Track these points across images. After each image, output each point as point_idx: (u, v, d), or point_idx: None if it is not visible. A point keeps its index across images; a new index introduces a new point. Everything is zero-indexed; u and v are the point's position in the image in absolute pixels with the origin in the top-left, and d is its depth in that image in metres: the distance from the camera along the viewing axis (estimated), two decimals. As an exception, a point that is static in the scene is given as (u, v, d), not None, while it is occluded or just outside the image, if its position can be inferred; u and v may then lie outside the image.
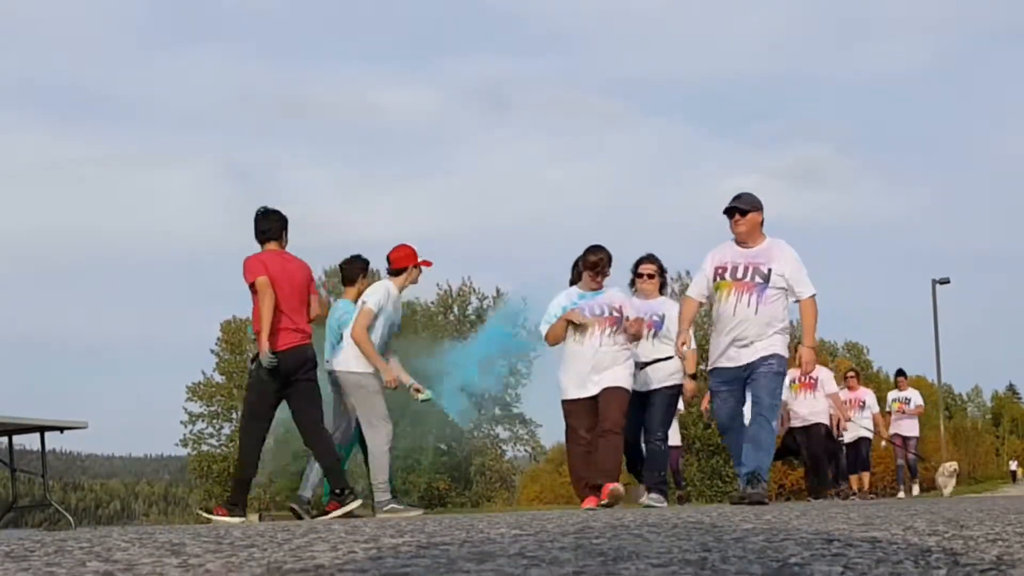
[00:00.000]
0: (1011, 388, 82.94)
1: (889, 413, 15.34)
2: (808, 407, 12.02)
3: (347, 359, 7.44)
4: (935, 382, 44.39)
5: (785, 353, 6.87)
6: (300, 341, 6.84)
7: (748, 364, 6.76)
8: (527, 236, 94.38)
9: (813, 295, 6.88)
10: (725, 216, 6.91)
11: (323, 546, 1.89)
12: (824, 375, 12.18)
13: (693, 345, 8.03)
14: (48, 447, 8.96)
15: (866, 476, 14.30)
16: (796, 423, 11.93)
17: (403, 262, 7.63)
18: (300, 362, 6.83)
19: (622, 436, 7.14)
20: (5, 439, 9.69)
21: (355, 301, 7.70)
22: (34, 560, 1.76)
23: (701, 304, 7.17)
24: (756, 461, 6.61)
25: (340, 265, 8.25)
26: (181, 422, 49.07)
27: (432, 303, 50.38)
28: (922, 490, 17.01)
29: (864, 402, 14.37)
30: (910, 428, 15.24)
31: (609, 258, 7.19)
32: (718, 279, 6.88)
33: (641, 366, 8.69)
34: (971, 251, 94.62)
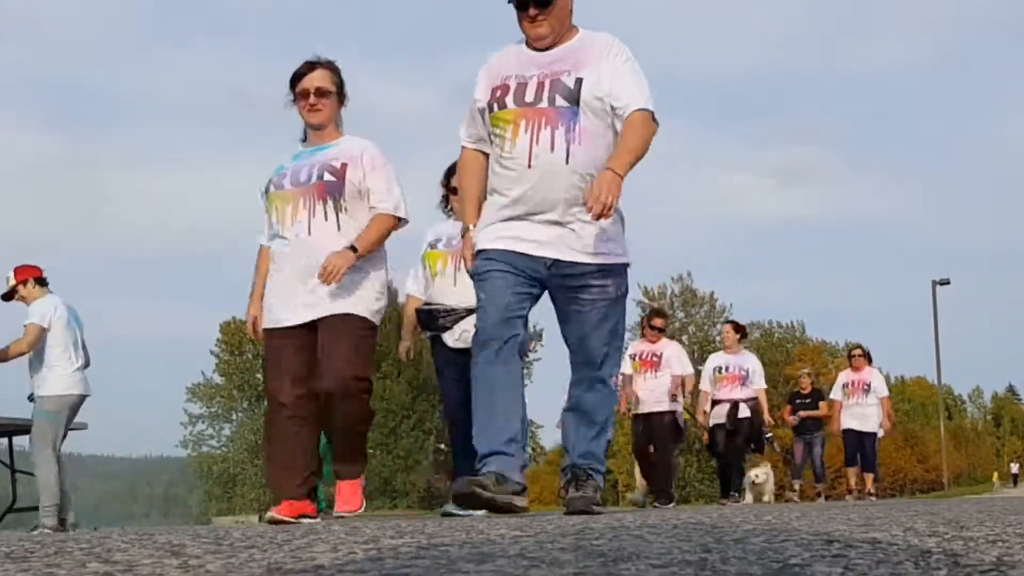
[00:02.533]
0: (1011, 389, 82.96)
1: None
2: (646, 391, 9.92)
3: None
4: (935, 383, 44.45)
5: (626, 254, 4.29)
6: None
7: (555, 262, 4.16)
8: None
9: (648, 111, 4.15)
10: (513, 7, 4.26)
11: (323, 547, 1.89)
12: (672, 351, 10.19)
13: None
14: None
15: (869, 477, 12.77)
16: (639, 408, 9.99)
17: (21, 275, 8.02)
18: None
19: (357, 398, 4.63)
20: (5, 440, 9.71)
21: None
22: (34, 561, 1.76)
23: (487, 156, 4.38)
24: (584, 446, 4.31)
25: None
26: (181, 423, 49.18)
27: (432, 304, 50.33)
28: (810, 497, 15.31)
29: (869, 385, 12.56)
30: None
31: None
32: (495, 107, 4.21)
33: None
34: (971, 252, 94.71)
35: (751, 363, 11.19)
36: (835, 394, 12.97)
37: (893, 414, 13.32)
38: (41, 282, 8.08)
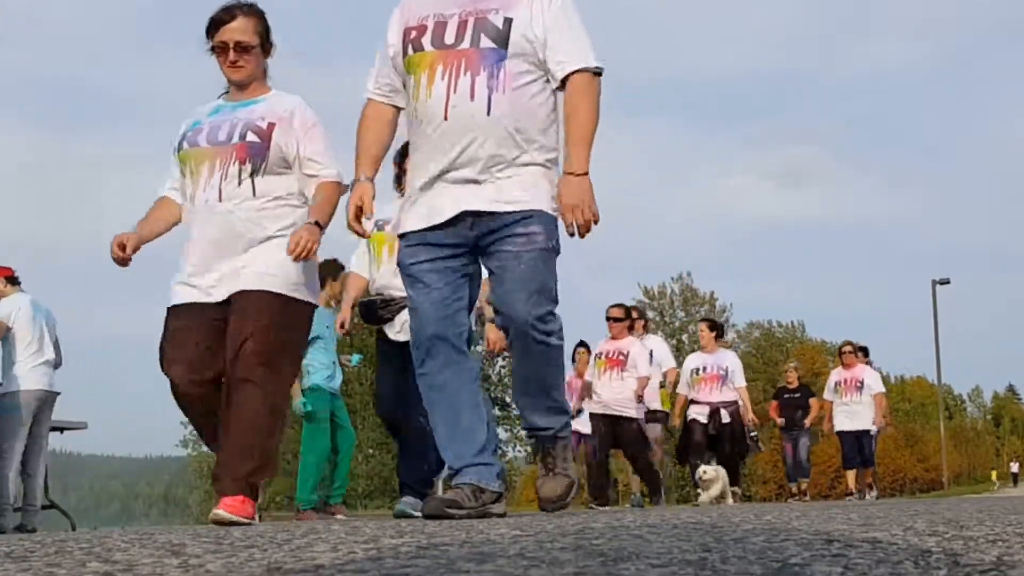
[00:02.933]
0: (1011, 388, 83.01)
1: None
2: (611, 392, 9.31)
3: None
4: (935, 382, 44.46)
5: (553, 210, 3.68)
6: None
7: (475, 219, 3.68)
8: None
9: (595, 69, 3.72)
10: None
11: (323, 547, 1.89)
12: (638, 349, 9.52)
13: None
14: (48, 447, 8.96)
15: (867, 471, 12.38)
16: (595, 408, 9.46)
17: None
18: None
19: (262, 389, 4.00)
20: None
21: (325, 305, 7.53)
22: (34, 560, 1.76)
23: (398, 110, 3.89)
24: (472, 443, 3.71)
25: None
26: (181, 423, 49.09)
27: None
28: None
29: (862, 383, 12.12)
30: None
31: None
32: (409, 50, 3.75)
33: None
34: (971, 251, 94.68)
35: (730, 361, 10.69)
36: (827, 394, 12.56)
37: (889, 412, 12.82)
38: (12, 281, 8.18)
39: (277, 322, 4.09)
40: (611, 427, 9.33)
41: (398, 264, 3.86)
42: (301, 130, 4.22)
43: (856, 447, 12.13)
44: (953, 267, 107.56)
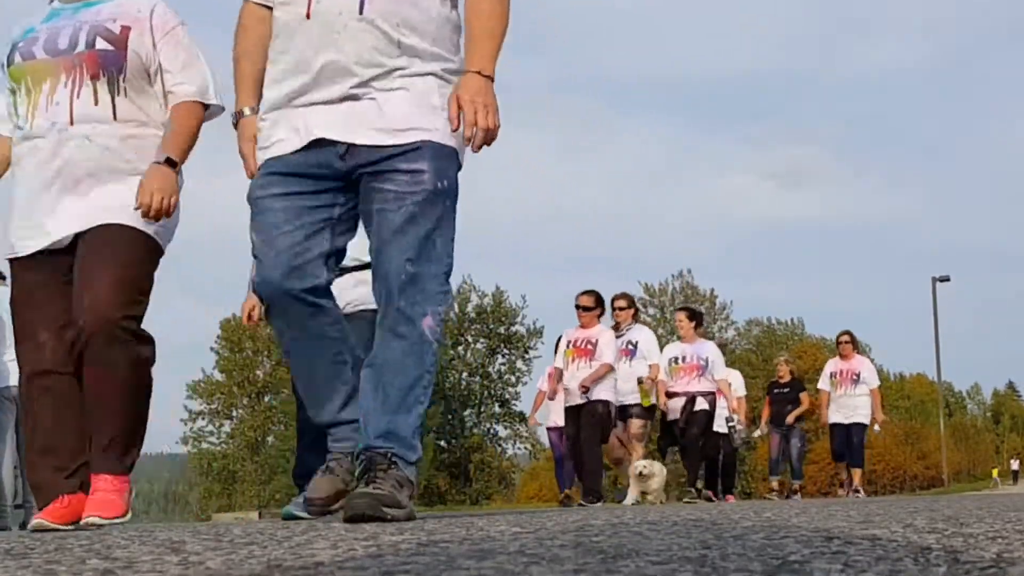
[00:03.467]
0: (1011, 386, 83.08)
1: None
2: (576, 382, 8.92)
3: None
4: (935, 380, 44.47)
5: (450, 137, 3.00)
6: None
7: (349, 148, 2.98)
8: (527, 234, 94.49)
9: None
10: None
11: (323, 543, 1.89)
12: (607, 338, 9.09)
13: None
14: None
15: (856, 472, 11.89)
16: (568, 401, 9.10)
17: None
18: None
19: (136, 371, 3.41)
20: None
21: None
22: (34, 558, 1.76)
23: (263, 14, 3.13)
24: (382, 422, 2.93)
25: None
26: (181, 420, 49.16)
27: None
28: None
29: (858, 375, 11.72)
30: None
31: None
32: None
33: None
34: (971, 249, 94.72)
35: (710, 352, 10.26)
36: (822, 384, 12.17)
37: (881, 408, 12.02)
38: None
39: (130, 261, 3.39)
40: (577, 417, 8.88)
41: (247, 198, 3.08)
42: (160, 32, 3.46)
43: (846, 441, 11.75)
44: (953, 265, 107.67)
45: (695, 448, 10.14)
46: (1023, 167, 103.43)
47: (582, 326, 9.16)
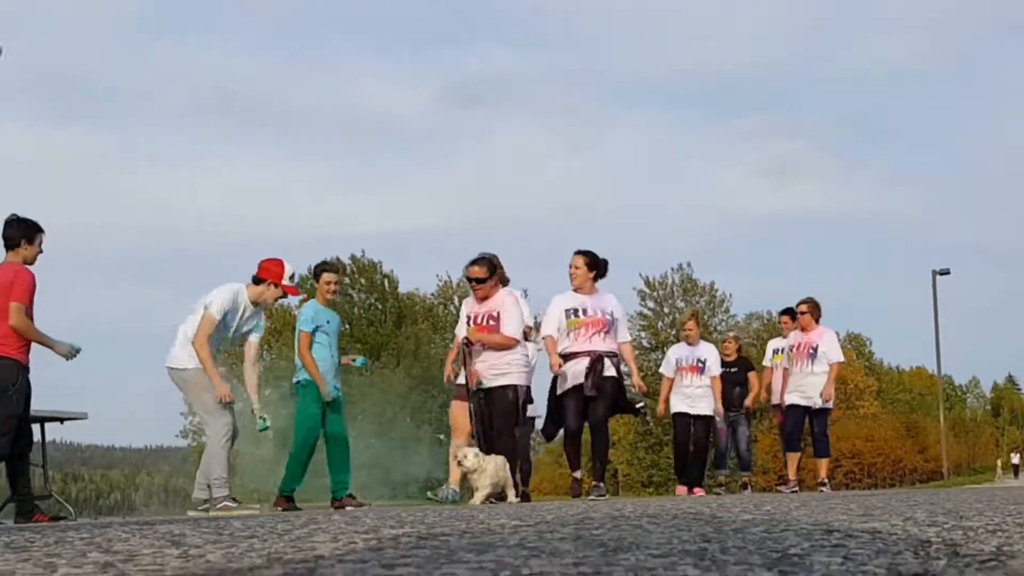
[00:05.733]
0: (1011, 379, 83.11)
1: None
2: (482, 362, 7.61)
3: (176, 355, 7.13)
4: (935, 373, 44.48)
5: None
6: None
7: None
8: (528, 228, 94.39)
9: None
10: None
11: (323, 537, 1.89)
12: (508, 306, 7.66)
13: None
14: (48, 438, 8.97)
15: (823, 463, 10.19)
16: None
17: (265, 274, 7.28)
18: None
19: None
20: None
21: (326, 305, 7.66)
22: (34, 551, 1.76)
23: None
24: None
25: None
26: (181, 413, 49.12)
27: (432, 295, 50.42)
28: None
29: (816, 348, 9.80)
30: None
31: None
32: None
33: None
34: (971, 242, 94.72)
35: (615, 306, 8.17)
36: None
37: (833, 391, 9.97)
38: None
39: None
40: (489, 401, 7.59)
41: None
42: None
43: (800, 426, 9.90)
44: (953, 258, 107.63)
45: (603, 425, 8.10)
46: (1023, 161, 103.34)
47: (480, 299, 7.72)
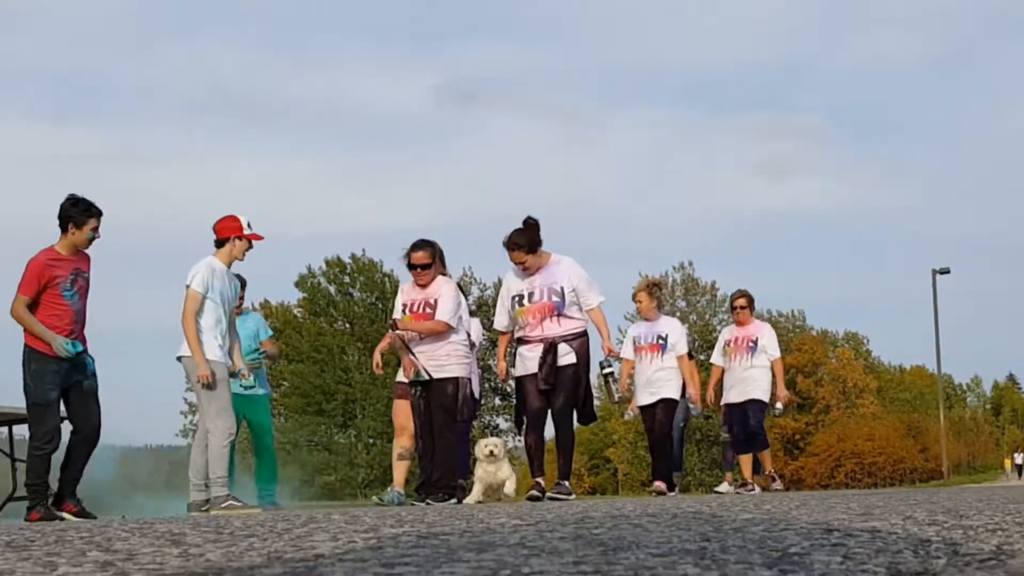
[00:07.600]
0: (1011, 378, 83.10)
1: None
2: (421, 352, 7.19)
3: (185, 345, 7.01)
4: (935, 372, 44.46)
5: None
6: None
7: None
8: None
9: None
10: None
11: (323, 536, 1.89)
12: (447, 291, 7.26)
13: None
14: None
15: (765, 455, 9.50)
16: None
17: (225, 232, 7.00)
18: None
19: None
20: (5, 429, 9.72)
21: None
22: (35, 550, 1.76)
23: None
24: None
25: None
26: (181, 412, 49.16)
27: (432, 293, 50.48)
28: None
29: (755, 342, 9.30)
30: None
31: None
32: None
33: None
34: (971, 241, 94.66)
35: (566, 278, 7.33)
36: (715, 357, 9.69)
37: (785, 390, 9.59)
38: None
39: None
40: (428, 397, 7.18)
41: None
42: None
43: (744, 423, 9.23)
44: (953, 257, 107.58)
45: (567, 420, 7.53)
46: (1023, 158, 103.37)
47: (420, 286, 7.32)
